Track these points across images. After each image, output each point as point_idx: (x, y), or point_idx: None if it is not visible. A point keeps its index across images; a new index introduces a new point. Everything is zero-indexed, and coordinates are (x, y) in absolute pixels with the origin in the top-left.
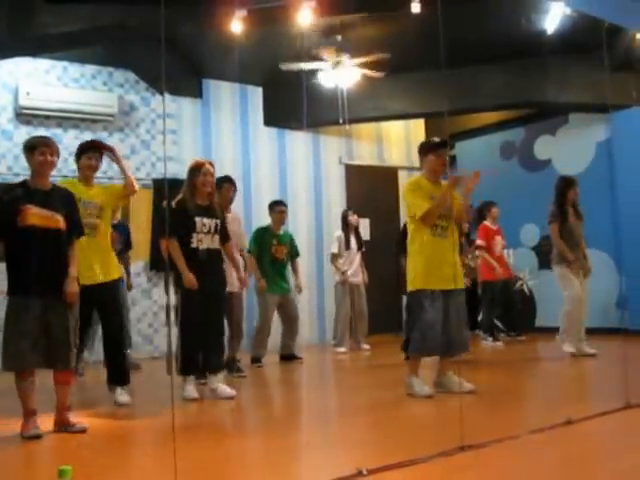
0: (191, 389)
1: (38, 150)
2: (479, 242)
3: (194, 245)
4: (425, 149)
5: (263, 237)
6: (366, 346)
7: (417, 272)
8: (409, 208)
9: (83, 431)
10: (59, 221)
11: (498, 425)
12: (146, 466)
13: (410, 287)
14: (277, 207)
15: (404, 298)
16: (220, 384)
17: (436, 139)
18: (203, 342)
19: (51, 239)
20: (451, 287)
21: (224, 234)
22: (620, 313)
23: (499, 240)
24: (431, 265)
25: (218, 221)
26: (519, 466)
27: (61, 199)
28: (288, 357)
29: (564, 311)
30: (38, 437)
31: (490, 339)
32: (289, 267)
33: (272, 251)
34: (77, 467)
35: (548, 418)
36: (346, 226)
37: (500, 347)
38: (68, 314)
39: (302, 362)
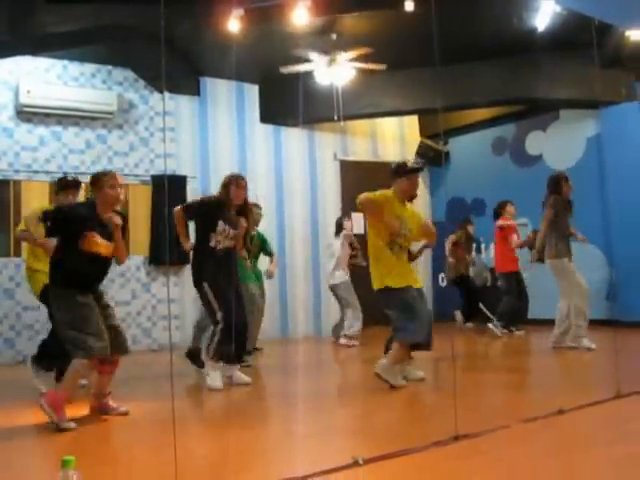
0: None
1: (109, 183)
2: (500, 223)
3: (212, 244)
4: (400, 172)
5: None
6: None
7: (382, 274)
8: (371, 197)
9: (126, 413)
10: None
11: (491, 415)
12: (146, 455)
13: (379, 286)
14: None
15: None
16: (237, 372)
17: (412, 164)
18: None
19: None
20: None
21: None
22: (610, 305)
23: (514, 236)
24: (392, 268)
25: (236, 231)
26: (512, 455)
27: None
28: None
29: (577, 310)
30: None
31: (499, 326)
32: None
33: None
34: (79, 457)
35: (540, 408)
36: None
37: (516, 335)
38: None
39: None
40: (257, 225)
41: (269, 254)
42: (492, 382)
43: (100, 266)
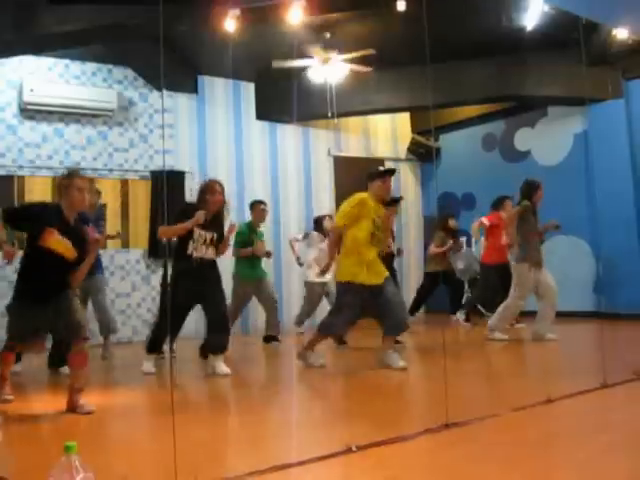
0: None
1: (76, 185)
2: (484, 220)
3: (189, 252)
4: (374, 176)
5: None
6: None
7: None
8: (338, 214)
9: (89, 413)
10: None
11: (481, 403)
12: (146, 442)
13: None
14: (259, 205)
15: None
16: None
17: (382, 168)
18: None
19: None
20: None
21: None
22: (597, 298)
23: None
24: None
25: (215, 234)
26: (502, 442)
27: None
28: (270, 338)
29: (508, 305)
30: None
31: (463, 317)
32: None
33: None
34: (81, 443)
35: (529, 397)
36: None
37: (468, 328)
38: (73, 300)
39: (281, 342)
40: (263, 220)
41: (265, 255)
42: (481, 372)
43: (59, 270)
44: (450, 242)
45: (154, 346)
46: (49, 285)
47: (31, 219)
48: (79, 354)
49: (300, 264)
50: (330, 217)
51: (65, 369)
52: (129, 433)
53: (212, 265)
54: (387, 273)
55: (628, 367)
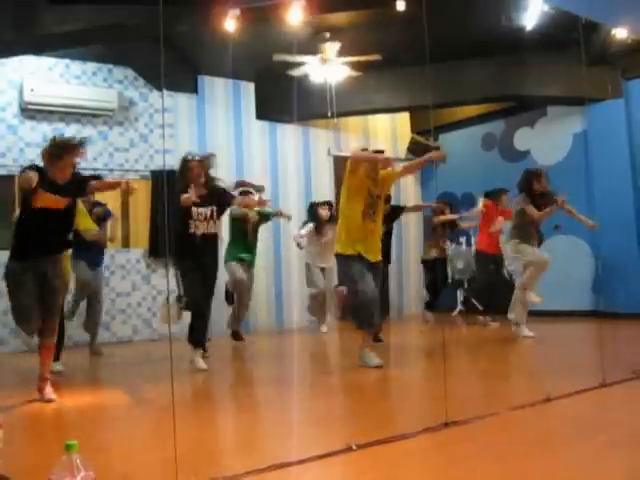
0: (199, 360)
1: (65, 162)
2: (481, 207)
3: (192, 230)
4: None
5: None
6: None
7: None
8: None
9: (49, 401)
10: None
11: (481, 402)
12: (147, 440)
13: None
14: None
15: None
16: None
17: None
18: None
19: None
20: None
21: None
22: (595, 297)
23: (500, 220)
24: (354, 238)
25: (214, 207)
26: (501, 441)
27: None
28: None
29: (532, 273)
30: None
31: (490, 318)
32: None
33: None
34: (82, 442)
35: (528, 396)
36: (316, 216)
37: (496, 326)
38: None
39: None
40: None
41: (271, 216)
42: (480, 370)
43: (56, 222)
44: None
45: (198, 339)
46: (44, 241)
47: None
48: (48, 347)
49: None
50: (327, 203)
51: (57, 365)
52: (130, 432)
53: (214, 241)
54: (380, 260)
55: (627, 366)
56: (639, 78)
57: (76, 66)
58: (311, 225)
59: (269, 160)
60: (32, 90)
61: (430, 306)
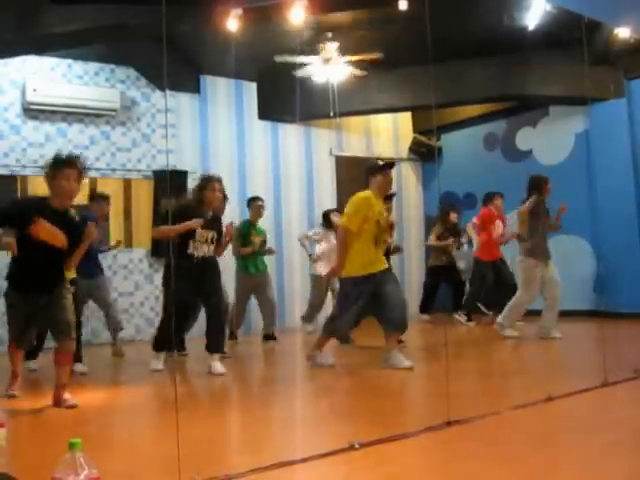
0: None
1: (63, 176)
2: (474, 221)
3: (190, 251)
4: (374, 170)
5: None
6: None
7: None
8: (347, 217)
9: (73, 407)
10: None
11: (483, 401)
12: (149, 439)
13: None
14: (256, 202)
15: None
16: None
17: (382, 162)
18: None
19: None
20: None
21: (219, 245)
22: (597, 296)
23: (498, 224)
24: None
25: (215, 233)
26: (503, 440)
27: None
28: (268, 337)
29: (517, 302)
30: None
31: (465, 317)
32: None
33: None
34: (86, 440)
35: (530, 395)
36: (328, 223)
37: (472, 327)
38: (66, 299)
39: (277, 341)
40: (261, 216)
41: (266, 252)
42: (483, 370)
43: (50, 259)
44: (451, 239)
45: (159, 344)
46: (42, 275)
47: (19, 212)
48: (65, 353)
49: (311, 256)
50: (338, 212)
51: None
52: (133, 430)
53: (213, 263)
54: (389, 268)
55: (629, 366)
56: None
57: (78, 66)
58: (319, 230)
59: (271, 160)
60: (35, 90)
61: (424, 308)
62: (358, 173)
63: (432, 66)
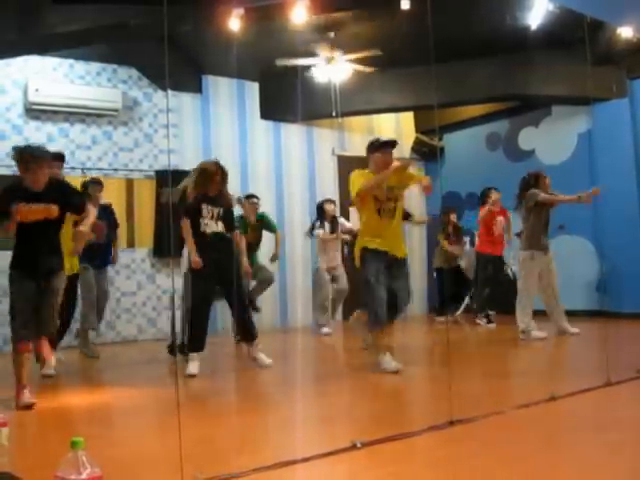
0: (194, 365)
1: (25, 167)
2: (478, 219)
3: (202, 229)
4: (373, 147)
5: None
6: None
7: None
8: (353, 187)
9: (30, 406)
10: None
11: (485, 401)
12: (151, 439)
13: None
14: (249, 200)
15: None
16: (260, 353)
17: (383, 138)
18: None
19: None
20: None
21: (228, 223)
22: (600, 296)
23: (500, 220)
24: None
25: (220, 209)
26: (505, 440)
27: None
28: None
29: (519, 299)
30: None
31: (485, 320)
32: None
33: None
34: (88, 439)
35: (533, 394)
36: (323, 214)
37: (493, 328)
38: (58, 296)
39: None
40: (255, 214)
41: (273, 230)
42: (485, 369)
43: (45, 233)
44: (463, 241)
45: (194, 343)
46: (40, 252)
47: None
48: (43, 345)
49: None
50: (331, 201)
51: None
52: (135, 429)
53: (226, 240)
54: (403, 257)
55: (632, 365)
56: None
57: (80, 66)
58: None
59: (273, 160)
60: (36, 90)
61: (439, 310)
62: None
63: (434, 66)
